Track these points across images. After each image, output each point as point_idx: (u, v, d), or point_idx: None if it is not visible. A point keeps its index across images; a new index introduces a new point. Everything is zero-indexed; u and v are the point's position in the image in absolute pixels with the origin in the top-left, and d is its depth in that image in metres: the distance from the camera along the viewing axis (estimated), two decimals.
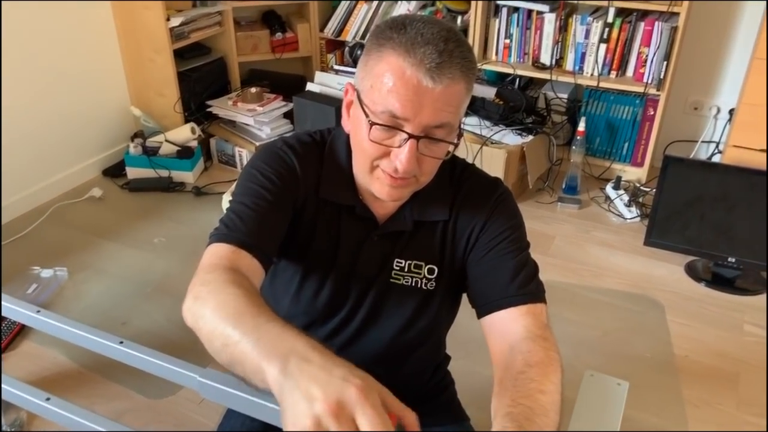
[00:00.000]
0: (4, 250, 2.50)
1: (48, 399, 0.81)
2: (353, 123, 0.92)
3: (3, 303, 0.96)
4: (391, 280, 1.01)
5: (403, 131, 0.84)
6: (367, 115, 0.86)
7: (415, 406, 0.64)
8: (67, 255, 2.48)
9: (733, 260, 2.34)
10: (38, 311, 0.94)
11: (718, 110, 3.05)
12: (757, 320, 2.21)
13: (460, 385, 1.25)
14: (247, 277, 0.81)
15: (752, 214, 2.28)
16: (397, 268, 1.00)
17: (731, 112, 2.92)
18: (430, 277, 1.01)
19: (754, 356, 2.05)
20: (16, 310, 0.96)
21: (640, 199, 2.89)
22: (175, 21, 2.92)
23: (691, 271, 2.47)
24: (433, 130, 0.85)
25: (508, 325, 0.89)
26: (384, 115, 0.84)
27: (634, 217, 2.79)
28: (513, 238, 0.96)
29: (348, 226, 1.00)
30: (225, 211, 0.93)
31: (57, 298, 2.27)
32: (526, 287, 0.92)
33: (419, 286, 1.01)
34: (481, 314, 0.95)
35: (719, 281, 2.39)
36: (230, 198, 0.96)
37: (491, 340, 0.91)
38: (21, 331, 2.09)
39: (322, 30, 3.44)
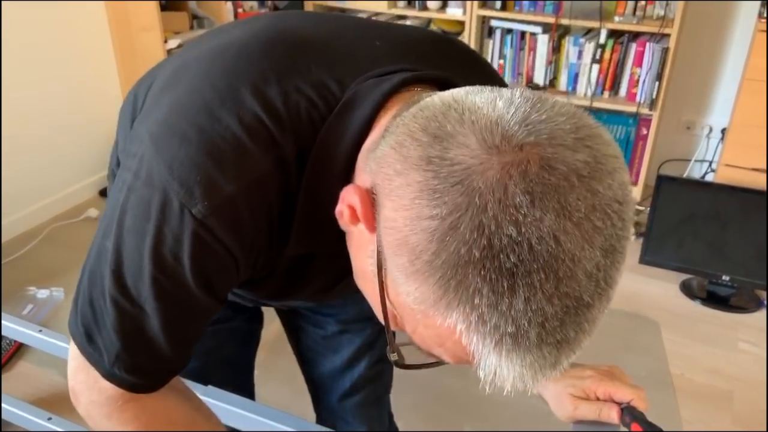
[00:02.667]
0: (2, 270, 2.50)
1: (50, 419, 0.81)
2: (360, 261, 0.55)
3: (4, 323, 0.97)
4: None
5: None
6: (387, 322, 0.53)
7: None
8: (63, 276, 2.48)
9: (728, 278, 2.36)
10: (40, 330, 0.94)
11: (711, 129, 3.09)
12: (751, 338, 2.22)
13: None
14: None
15: (745, 232, 2.30)
16: None
17: (723, 131, 2.96)
18: None
19: (748, 373, 2.06)
20: (17, 330, 0.97)
21: (635, 218, 2.91)
22: (173, 43, 2.95)
23: (686, 289, 2.48)
24: None
25: None
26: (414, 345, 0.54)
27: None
28: None
29: (319, 269, 0.70)
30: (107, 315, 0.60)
31: (53, 318, 2.27)
32: None
33: None
34: None
35: (714, 299, 2.40)
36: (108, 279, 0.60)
37: None
38: (17, 351, 2.08)
39: None
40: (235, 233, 0.56)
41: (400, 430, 1.28)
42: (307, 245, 0.62)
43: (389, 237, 0.47)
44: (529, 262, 0.42)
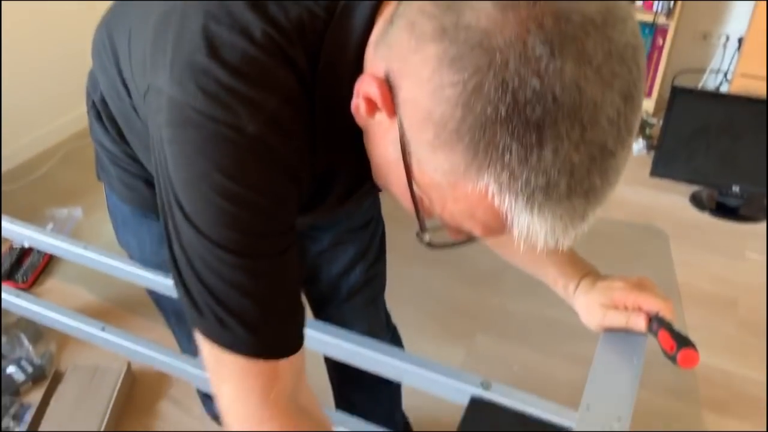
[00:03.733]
0: (20, 192, 2.54)
1: (103, 329, 0.86)
2: (379, 147, 0.56)
3: (51, 242, 1.01)
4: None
5: None
6: (416, 206, 0.55)
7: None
8: (80, 195, 2.51)
9: (737, 189, 2.38)
10: (85, 247, 0.98)
11: (727, 38, 3.02)
12: (759, 247, 2.27)
13: None
14: (316, 414, 0.66)
15: (758, 142, 2.30)
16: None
17: (740, 40, 2.89)
18: None
19: (753, 281, 2.11)
20: (62, 248, 1.01)
21: (647, 131, 2.90)
22: None
23: (695, 201, 2.51)
24: None
25: None
26: (443, 223, 0.56)
27: (641, 149, 2.82)
28: None
29: (338, 180, 0.72)
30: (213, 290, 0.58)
31: (73, 237, 2.32)
32: None
33: None
34: None
35: (723, 210, 2.44)
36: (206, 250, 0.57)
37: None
38: (44, 269, 2.15)
39: None
40: (290, 145, 0.56)
41: (414, 339, 1.35)
42: (329, 158, 0.62)
43: (411, 116, 0.48)
44: (554, 112, 0.43)
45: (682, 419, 1.64)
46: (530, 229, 0.48)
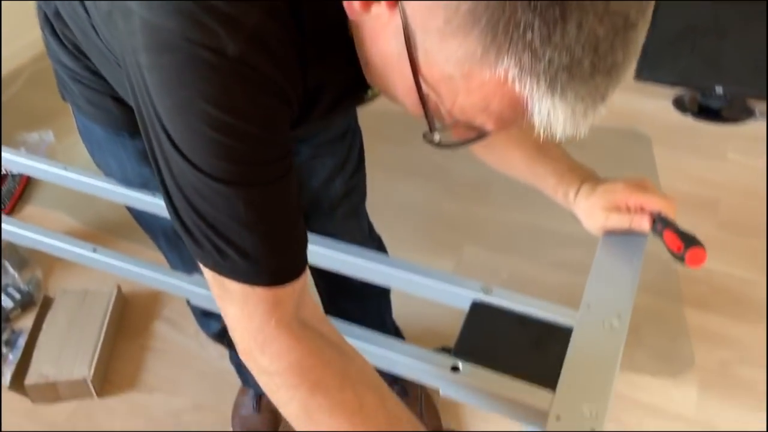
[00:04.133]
0: None
1: (95, 250, 0.84)
2: (376, 39, 0.53)
3: (30, 163, 0.97)
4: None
5: None
6: (423, 101, 0.52)
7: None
8: (52, 119, 2.43)
9: (720, 89, 2.37)
10: (65, 168, 0.95)
11: None
12: (740, 147, 2.29)
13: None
14: (324, 331, 0.64)
15: (743, 42, 2.27)
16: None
17: None
18: None
19: (735, 181, 2.14)
20: (44, 170, 0.97)
21: None
22: None
23: (678, 104, 2.50)
24: None
25: None
26: (455, 121, 0.53)
27: None
28: None
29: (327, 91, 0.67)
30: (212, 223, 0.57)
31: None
32: None
33: None
34: None
35: (706, 112, 2.44)
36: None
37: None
38: (22, 195, 2.10)
39: None
40: (276, 62, 0.53)
41: (400, 253, 1.35)
42: (320, 71, 0.60)
43: (416, 3, 0.45)
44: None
45: (664, 316, 1.70)
46: (551, 114, 0.46)
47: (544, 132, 0.47)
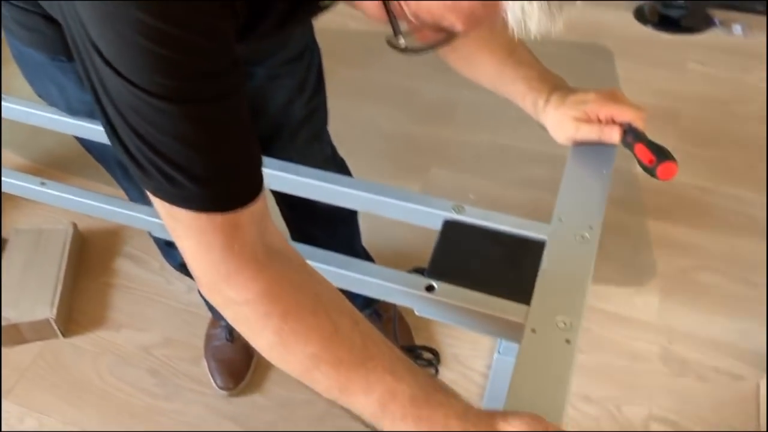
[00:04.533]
0: None
1: (43, 183, 0.79)
2: None
3: None
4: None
5: None
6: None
7: None
8: None
9: None
10: (5, 99, 0.88)
11: None
12: (700, 57, 2.28)
13: None
14: (287, 251, 0.62)
15: None
16: None
17: None
18: None
19: (695, 91, 2.15)
20: None
21: None
22: None
23: (639, 15, 2.47)
24: None
25: None
26: (419, 22, 0.51)
27: None
28: None
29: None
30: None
31: None
32: None
33: None
34: None
35: (666, 22, 2.42)
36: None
37: None
38: None
39: None
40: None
41: (365, 177, 1.32)
42: None
43: None
44: None
45: (628, 228, 1.73)
46: (525, 8, 0.44)
47: (517, 28, 0.44)
